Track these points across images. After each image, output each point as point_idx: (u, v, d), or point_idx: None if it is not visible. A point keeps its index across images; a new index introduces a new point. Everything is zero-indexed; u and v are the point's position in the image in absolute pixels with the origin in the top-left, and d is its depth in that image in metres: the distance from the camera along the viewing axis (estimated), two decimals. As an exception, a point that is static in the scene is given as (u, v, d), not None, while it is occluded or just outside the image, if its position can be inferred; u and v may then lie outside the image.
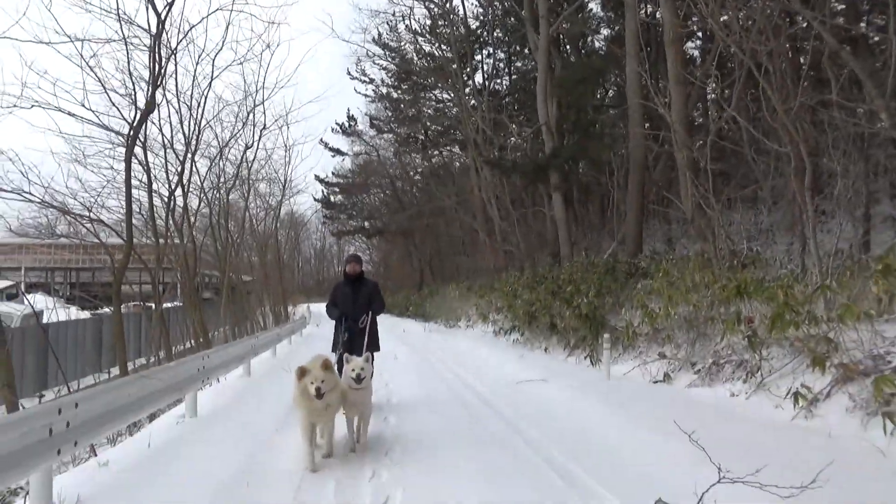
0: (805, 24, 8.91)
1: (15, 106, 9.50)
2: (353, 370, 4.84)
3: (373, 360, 5.47)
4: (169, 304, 22.81)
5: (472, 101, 26.44)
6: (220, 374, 8.20)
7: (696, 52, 17.31)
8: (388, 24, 30.05)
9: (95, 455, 5.17)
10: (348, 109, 39.24)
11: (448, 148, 34.31)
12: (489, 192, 23.42)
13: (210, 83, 15.38)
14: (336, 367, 5.41)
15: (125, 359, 10.27)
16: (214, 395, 7.78)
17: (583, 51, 16.62)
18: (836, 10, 8.37)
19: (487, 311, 18.60)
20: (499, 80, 28.90)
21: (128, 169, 9.88)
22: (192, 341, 17.35)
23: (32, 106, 9.58)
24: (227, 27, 15.34)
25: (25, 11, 8.94)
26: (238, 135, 19.34)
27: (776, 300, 6.45)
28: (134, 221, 11.90)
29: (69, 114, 10.00)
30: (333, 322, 6.90)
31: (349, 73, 33.93)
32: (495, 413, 6.58)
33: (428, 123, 33.04)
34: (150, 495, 3.94)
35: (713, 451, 3.63)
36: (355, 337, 6.52)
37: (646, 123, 13.06)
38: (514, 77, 28.02)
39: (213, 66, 15.31)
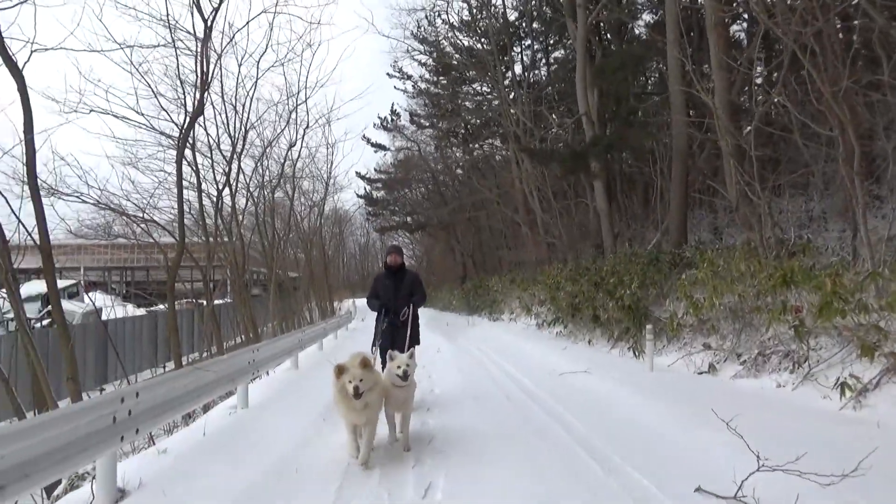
0: (854, 1, 8.59)
1: (74, 111, 10.00)
2: (398, 367, 4.69)
3: (414, 351, 5.35)
4: (220, 301, 23.56)
5: (512, 94, 26.36)
6: (270, 367, 8.49)
7: (742, 35, 16.86)
8: (426, 17, 30.19)
9: (154, 443, 5.44)
10: (392, 104, 39.52)
11: (489, 141, 34.29)
12: (530, 184, 23.33)
13: (255, 84, 15.77)
14: (378, 361, 5.36)
15: (179, 353, 10.71)
16: (264, 387, 8.07)
17: (623, 38, 16.34)
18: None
19: (530, 303, 18.59)
20: (538, 72, 28.77)
21: (179, 170, 10.31)
22: (242, 336, 17.87)
23: (91, 111, 10.08)
24: (270, 28, 15.55)
25: (80, 21, 9.36)
26: (281, 134, 19.79)
27: (823, 289, 6.31)
28: (185, 221, 12.39)
29: (123, 119, 10.49)
30: (375, 315, 6.77)
31: (388, 74, 34.40)
32: (537, 404, 6.66)
33: (468, 117, 33.11)
34: (206, 480, 4.16)
35: (754, 440, 3.63)
36: (397, 330, 6.37)
37: (689, 111, 12.79)
38: (553, 67, 27.81)
39: (257, 67, 15.65)
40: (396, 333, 6.35)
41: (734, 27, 15.60)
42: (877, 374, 5.34)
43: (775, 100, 8.50)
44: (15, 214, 6.77)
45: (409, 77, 34.56)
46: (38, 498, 4.79)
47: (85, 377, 8.20)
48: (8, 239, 6.94)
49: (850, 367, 5.77)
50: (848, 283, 6.42)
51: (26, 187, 7.23)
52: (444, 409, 6.50)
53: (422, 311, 7.09)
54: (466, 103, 33.20)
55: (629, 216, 21.26)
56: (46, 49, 7.27)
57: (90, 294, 25.56)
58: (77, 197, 9.91)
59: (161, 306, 28.63)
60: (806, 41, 7.65)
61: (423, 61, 33.03)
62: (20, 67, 6.81)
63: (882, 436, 4.24)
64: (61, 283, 18.31)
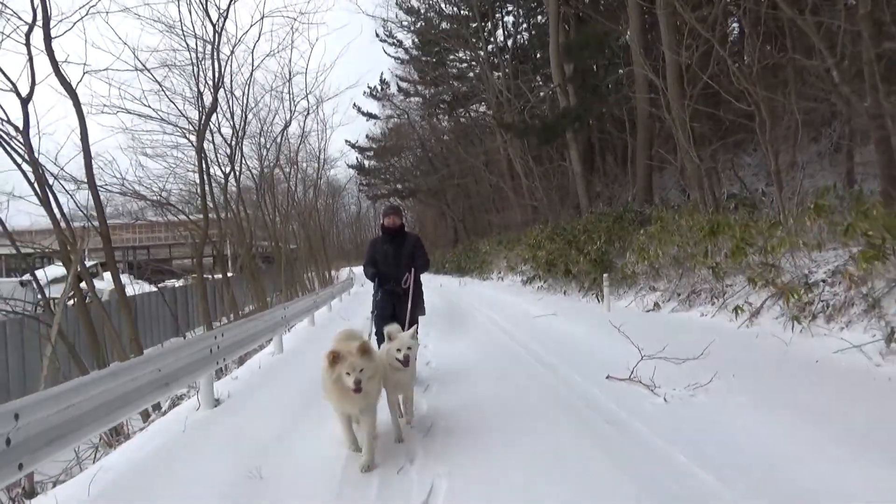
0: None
1: (103, 110, 11.49)
2: (398, 350, 4.04)
3: (418, 327, 5.07)
4: (230, 274, 25.17)
5: (495, 60, 27.54)
6: (296, 322, 10.21)
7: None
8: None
9: (228, 373, 7.19)
10: (381, 74, 40.84)
11: (474, 108, 35.59)
12: (514, 151, 24.81)
13: (252, 73, 17.15)
14: (374, 336, 5.07)
15: (209, 317, 12.41)
16: (293, 338, 9.81)
17: (589, 15, 17.66)
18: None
19: (516, 263, 20.32)
20: (520, 37, 29.64)
21: (199, 160, 11.84)
22: (252, 305, 19.55)
23: (117, 112, 11.58)
24: (262, 18, 16.74)
25: (122, 46, 10.68)
26: (276, 115, 21.18)
27: (735, 237, 8.02)
28: (196, 203, 13.96)
29: (147, 118, 11.98)
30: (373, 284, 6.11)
31: (377, 35, 35.48)
32: (510, 337, 8.43)
33: (453, 83, 34.28)
34: (264, 396, 5.89)
35: (648, 346, 5.37)
36: (398, 299, 5.77)
37: (650, 85, 14.26)
38: (534, 32, 28.70)
39: (252, 56, 17.02)
40: (398, 303, 5.76)
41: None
42: (764, 299, 7.06)
43: (705, 79, 9.99)
44: (81, 210, 8.29)
45: (401, 43, 35.68)
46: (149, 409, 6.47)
47: (125, 344, 9.80)
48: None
49: (750, 296, 7.49)
50: (754, 232, 8.13)
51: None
52: (438, 348, 8.24)
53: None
54: (452, 70, 34.38)
55: (609, 177, 22.87)
56: (97, 71, 8.76)
57: (106, 274, 27.04)
58: (116, 190, 11.45)
59: (171, 282, 30.15)
60: (728, 30, 9.20)
61: (407, 32, 34.15)
62: (74, 87, 8.30)
63: (749, 341, 6.00)
64: (88, 263, 19.85)
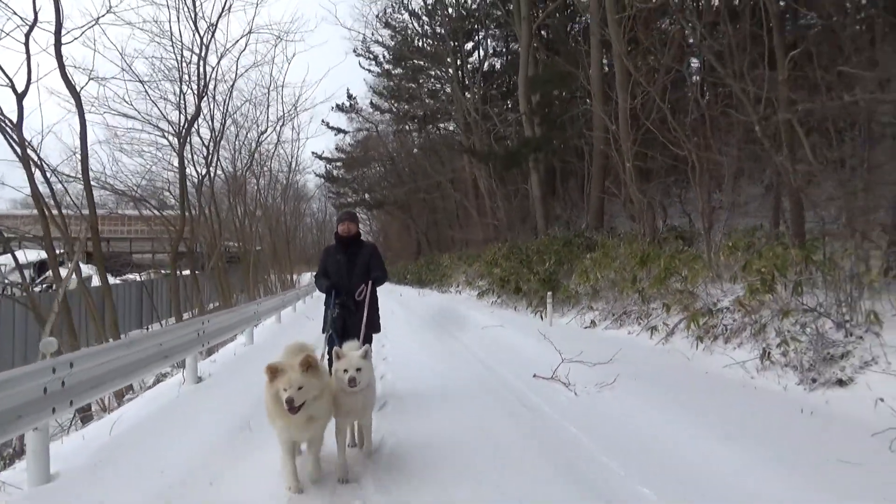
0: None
1: (90, 109, 12.17)
2: (344, 370, 3.56)
3: (370, 346, 4.51)
4: (187, 272, 25.67)
5: (466, 82, 28.73)
6: (265, 318, 11.03)
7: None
8: (388, 7, 32.19)
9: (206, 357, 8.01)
10: (348, 89, 41.76)
11: (444, 126, 36.76)
12: (479, 171, 25.99)
13: (234, 82, 17.93)
14: (326, 356, 4.47)
15: (180, 309, 13.10)
16: (261, 331, 10.63)
17: (557, 51, 18.97)
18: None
19: (473, 278, 21.40)
20: (495, 60, 30.93)
21: (181, 162, 12.61)
22: (219, 301, 20.15)
23: (104, 112, 12.28)
24: (249, 33, 17.51)
25: (130, 56, 11.46)
26: (253, 123, 21.94)
27: (659, 267, 9.21)
28: (171, 200, 14.67)
29: (131, 118, 12.70)
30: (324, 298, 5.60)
31: (354, 51, 36.44)
32: (460, 343, 9.45)
33: (427, 101, 35.38)
34: (241, 378, 6.74)
35: (570, 352, 6.44)
36: (352, 314, 5.27)
37: (606, 125, 15.58)
38: (509, 59, 29.94)
39: (237, 65, 17.82)
40: (350, 318, 5.26)
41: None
42: (677, 321, 8.22)
43: (647, 125, 11.26)
44: (73, 202, 9.01)
45: (375, 58, 36.64)
46: (136, 385, 7.23)
47: (92, 334, 10.50)
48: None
49: (668, 319, 8.65)
50: (679, 263, 9.33)
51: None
52: (395, 348, 9.18)
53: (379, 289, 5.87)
54: (425, 88, 35.51)
55: (569, 202, 24.19)
56: (104, 79, 9.51)
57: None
58: (103, 185, 12.13)
59: (131, 276, 30.33)
60: (665, 84, 10.48)
61: (386, 45, 35.20)
62: (78, 91, 9.07)
63: (654, 354, 7.13)
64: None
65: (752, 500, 3.15)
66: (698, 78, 13.56)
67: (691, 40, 10.75)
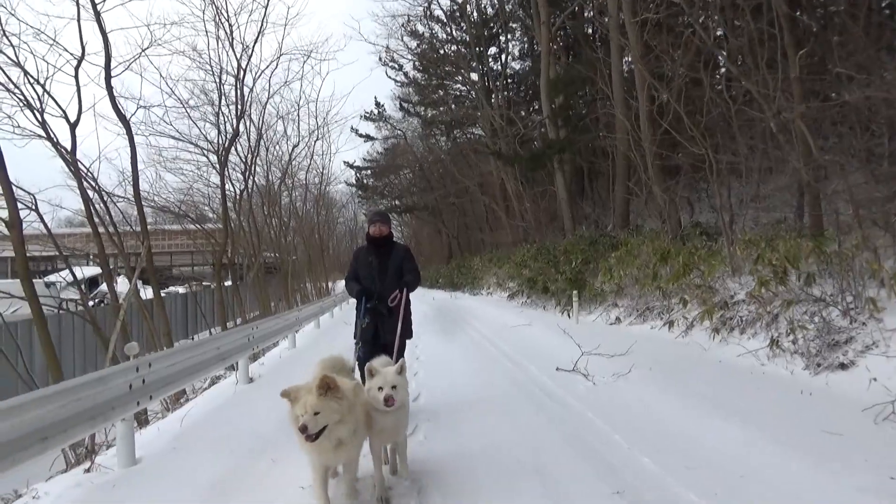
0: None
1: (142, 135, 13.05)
2: (379, 388, 3.34)
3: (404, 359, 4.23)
4: (227, 283, 26.74)
5: (490, 87, 29.24)
6: (305, 325, 11.73)
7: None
8: (409, 18, 32.90)
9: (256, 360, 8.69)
10: (375, 97, 42.66)
11: (471, 131, 37.27)
12: (506, 175, 26.42)
13: (267, 101, 18.79)
14: (357, 367, 4.47)
15: (225, 318, 13.90)
16: (303, 337, 11.32)
17: (578, 54, 19.34)
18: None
19: (503, 279, 21.87)
20: (520, 62, 31.36)
21: (222, 179, 13.42)
22: (258, 311, 21.02)
23: (149, 134, 13.15)
24: (280, 55, 18.31)
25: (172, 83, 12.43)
26: (284, 137, 22.79)
27: (677, 264, 9.58)
28: (209, 214, 15.55)
29: (175, 139, 13.59)
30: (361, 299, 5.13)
31: (380, 59, 37.22)
32: (489, 342, 9.96)
33: (452, 107, 35.97)
34: (288, 376, 7.34)
35: (594, 347, 6.90)
36: (383, 320, 5.01)
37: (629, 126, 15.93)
38: (532, 62, 30.27)
39: (269, 83, 18.67)
40: (382, 324, 5.02)
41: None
42: (694, 315, 8.59)
43: (665, 126, 11.62)
44: (129, 222, 9.78)
45: (402, 67, 37.39)
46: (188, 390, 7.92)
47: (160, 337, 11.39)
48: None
49: (688, 313, 9.02)
50: (697, 259, 9.68)
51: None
52: (426, 348, 9.73)
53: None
54: (451, 94, 36.11)
55: (597, 201, 24.49)
56: (152, 106, 10.33)
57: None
58: (154, 205, 12.99)
59: (173, 288, 31.53)
60: (681, 87, 10.84)
61: (409, 56, 35.94)
62: (128, 119, 9.86)
63: (674, 346, 7.54)
64: (96, 270, 21.37)
65: (735, 463, 3.61)
66: (717, 77, 13.83)
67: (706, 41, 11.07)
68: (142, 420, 6.82)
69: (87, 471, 3.92)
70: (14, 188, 8.14)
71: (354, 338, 4.95)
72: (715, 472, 3.50)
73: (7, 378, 9.55)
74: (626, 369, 6.20)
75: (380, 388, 3.32)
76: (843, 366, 5.56)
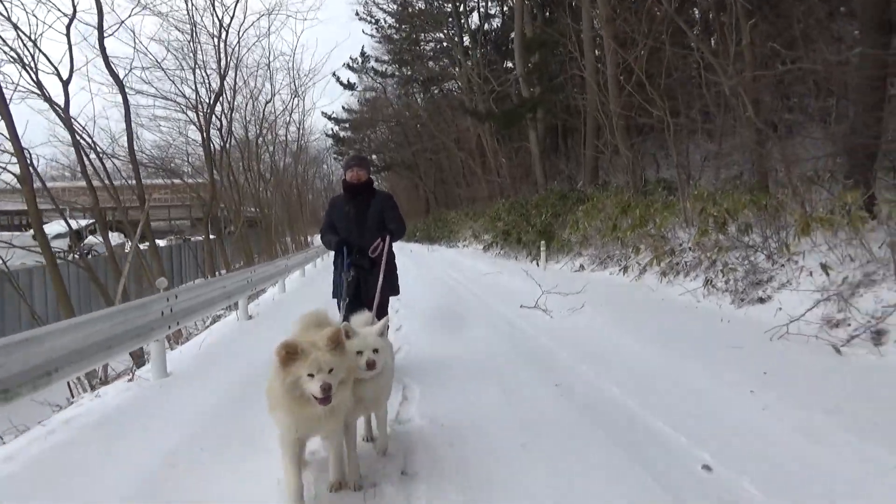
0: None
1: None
2: (358, 351, 2.84)
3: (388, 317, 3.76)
4: (200, 237, 27.27)
5: (468, 44, 29.54)
6: (292, 273, 12.56)
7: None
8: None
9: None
10: (363, 47, 42.44)
11: (447, 87, 37.54)
12: (482, 131, 27.05)
13: (239, 58, 19.04)
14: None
15: (213, 267, 14.64)
16: (291, 283, 12.14)
17: (551, 12, 19.83)
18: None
19: (479, 232, 22.79)
20: (495, 20, 31.56)
21: (207, 137, 13.96)
22: (242, 262, 21.71)
23: (136, 93, 13.60)
24: (269, 13, 18.43)
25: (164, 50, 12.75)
26: (260, 92, 23.14)
27: (635, 215, 10.54)
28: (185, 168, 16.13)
29: (163, 97, 14.04)
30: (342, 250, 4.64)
31: (357, 14, 37.15)
32: (463, 287, 10.91)
33: (429, 63, 36.18)
34: (282, 315, 8.20)
35: (550, 286, 7.86)
36: (366, 275, 4.58)
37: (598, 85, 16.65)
38: (507, 17, 30.49)
39: (238, 35, 18.88)
40: (363, 279, 4.59)
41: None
42: (647, 261, 9.58)
43: (629, 89, 12.42)
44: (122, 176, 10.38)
45: (377, 21, 37.33)
46: (200, 323, 8.75)
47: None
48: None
49: (640, 259, 10.01)
50: (653, 211, 10.64)
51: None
52: (406, 296, 10.60)
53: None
54: (427, 50, 36.26)
55: (571, 158, 25.30)
56: (143, 68, 10.78)
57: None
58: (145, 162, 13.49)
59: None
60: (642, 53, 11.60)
61: (387, 10, 35.88)
62: (122, 80, 10.37)
63: (624, 287, 8.53)
64: (85, 222, 21.81)
65: (650, 367, 4.61)
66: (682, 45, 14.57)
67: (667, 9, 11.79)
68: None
69: (130, 380, 4.77)
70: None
71: (334, 296, 4.60)
72: (632, 373, 4.48)
73: (15, 321, 10.27)
74: (581, 305, 7.17)
75: (359, 353, 2.82)
76: (761, 300, 6.57)
